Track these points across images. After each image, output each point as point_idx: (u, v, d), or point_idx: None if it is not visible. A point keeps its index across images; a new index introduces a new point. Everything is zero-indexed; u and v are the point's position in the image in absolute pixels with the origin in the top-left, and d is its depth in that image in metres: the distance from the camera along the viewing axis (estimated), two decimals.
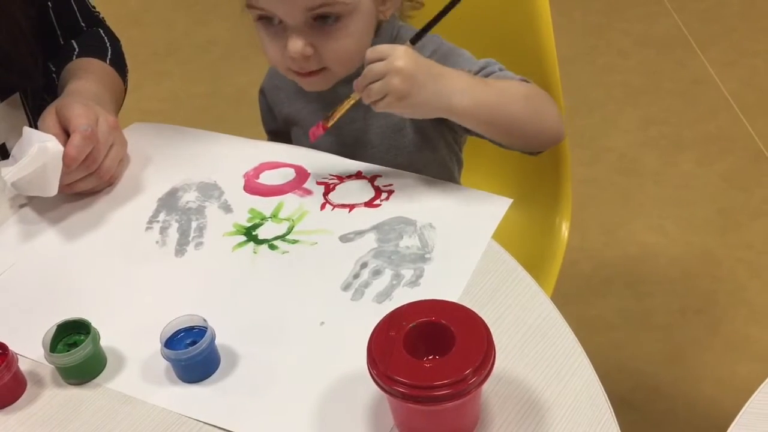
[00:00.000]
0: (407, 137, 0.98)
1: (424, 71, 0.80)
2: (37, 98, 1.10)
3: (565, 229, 1.14)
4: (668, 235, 1.77)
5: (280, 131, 1.10)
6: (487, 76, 0.91)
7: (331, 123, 0.87)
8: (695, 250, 1.73)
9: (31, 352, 0.72)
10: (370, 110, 0.87)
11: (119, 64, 1.12)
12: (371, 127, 0.99)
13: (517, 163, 1.16)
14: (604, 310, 1.62)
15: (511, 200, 0.83)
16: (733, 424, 0.60)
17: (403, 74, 0.79)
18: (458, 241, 0.79)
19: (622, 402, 1.41)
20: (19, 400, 0.68)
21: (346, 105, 0.86)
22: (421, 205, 0.84)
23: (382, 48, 0.81)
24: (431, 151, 1.00)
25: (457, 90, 0.82)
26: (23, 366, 0.70)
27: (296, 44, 0.86)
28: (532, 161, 1.15)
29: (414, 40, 0.85)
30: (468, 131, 0.93)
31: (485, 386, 0.59)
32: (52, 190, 0.87)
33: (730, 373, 1.47)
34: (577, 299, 1.62)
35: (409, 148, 0.98)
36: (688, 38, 2.37)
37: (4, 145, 1.07)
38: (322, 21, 0.86)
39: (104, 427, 0.66)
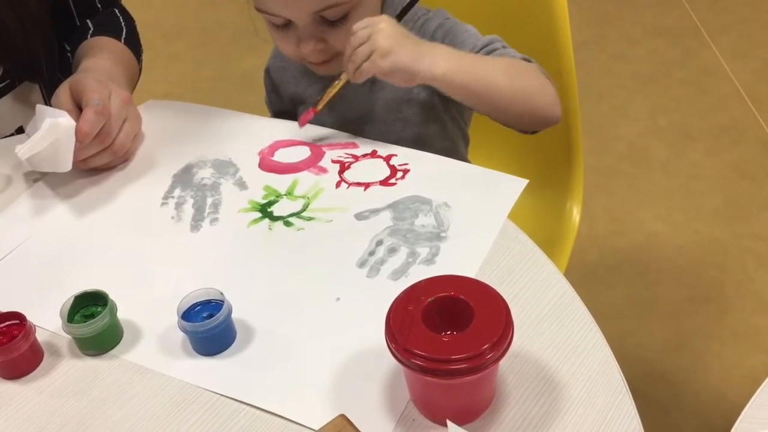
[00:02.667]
0: (412, 110, 0.99)
1: (404, 35, 0.86)
2: (53, 78, 1.10)
3: (576, 214, 1.14)
4: (676, 224, 1.77)
5: (285, 111, 1.10)
6: (490, 53, 0.93)
7: (320, 106, 0.91)
8: (703, 239, 1.73)
9: (48, 323, 0.72)
10: (376, 84, 0.88)
11: (133, 44, 1.12)
12: (377, 101, 1.00)
13: (530, 147, 1.16)
14: (611, 298, 1.62)
15: (526, 181, 0.83)
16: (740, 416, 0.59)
17: (386, 33, 0.84)
18: (474, 220, 0.79)
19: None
20: (36, 370, 0.69)
21: (336, 87, 0.90)
22: (436, 184, 0.84)
23: (366, 18, 0.86)
24: (437, 124, 1.01)
25: (436, 55, 0.86)
26: (40, 337, 0.71)
27: (308, 46, 0.91)
28: (544, 144, 1.15)
29: (399, 17, 0.91)
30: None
31: (502, 362, 0.60)
32: (66, 165, 0.87)
33: (736, 363, 1.47)
34: (584, 287, 1.60)
35: (414, 120, 0.99)
36: (699, 28, 2.36)
37: (21, 128, 1.07)
38: (329, 18, 0.89)
39: (121, 397, 0.66)
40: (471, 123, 1.09)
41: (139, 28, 1.17)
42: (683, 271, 1.67)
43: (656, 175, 1.90)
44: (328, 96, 0.91)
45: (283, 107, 1.11)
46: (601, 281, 1.66)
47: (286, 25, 0.91)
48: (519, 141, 1.18)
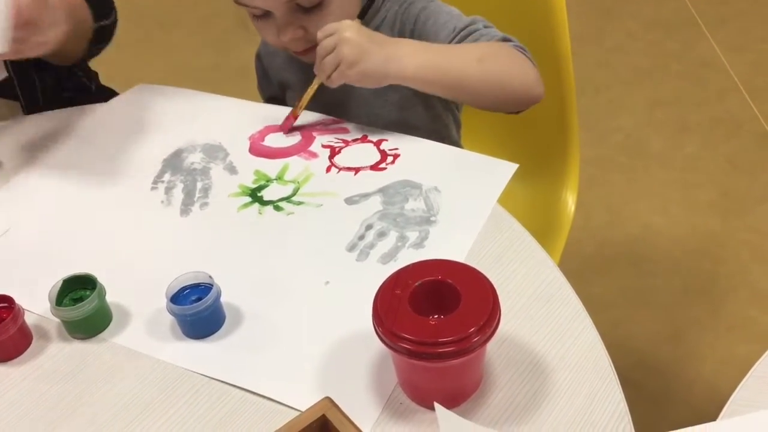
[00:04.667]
0: (399, 93, 0.99)
1: (370, 39, 0.85)
2: None
3: (571, 204, 1.14)
4: (672, 216, 1.77)
5: (276, 96, 1.11)
6: (471, 33, 0.93)
7: (300, 111, 0.93)
8: (699, 231, 1.73)
9: (37, 306, 0.72)
10: None
11: (96, 5, 1.07)
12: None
13: (525, 137, 1.16)
14: (605, 288, 1.62)
15: (516, 165, 0.83)
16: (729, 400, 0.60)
17: (352, 43, 0.84)
18: (463, 205, 0.79)
19: (620, 379, 1.41)
20: (25, 354, 0.69)
21: (311, 92, 0.91)
22: (426, 169, 0.84)
23: (331, 25, 0.86)
24: (424, 107, 1.01)
25: (404, 54, 0.86)
26: (30, 321, 0.71)
27: (287, 34, 0.91)
28: (539, 134, 1.15)
29: (361, 16, 0.91)
30: None
31: (489, 347, 0.60)
32: (2, 45, 0.83)
33: (729, 354, 1.48)
34: (579, 277, 1.61)
35: (401, 104, 1.00)
36: (697, 20, 2.35)
37: None
38: (305, 6, 0.90)
39: (110, 380, 0.66)
40: (464, 110, 1.09)
41: (137, 17, 1.16)
42: (678, 262, 1.67)
43: (652, 167, 1.90)
44: (305, 100, 0.92)
45: (274, 92, 1.11)
46: (597, 272, 1.66)
47: (266, 15, 0.92)
48: (514, 130, 1.18)
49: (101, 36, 1.10)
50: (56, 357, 0.69)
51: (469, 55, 0.89)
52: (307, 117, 0.95)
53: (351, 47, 0.83)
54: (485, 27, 0.93)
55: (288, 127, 0.93)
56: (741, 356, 1.47)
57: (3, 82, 1.07)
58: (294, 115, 0.93)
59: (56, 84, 1.11)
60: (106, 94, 1.21)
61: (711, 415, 0.59)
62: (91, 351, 0.69)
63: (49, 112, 1.03)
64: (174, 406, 0.63)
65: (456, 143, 1.07)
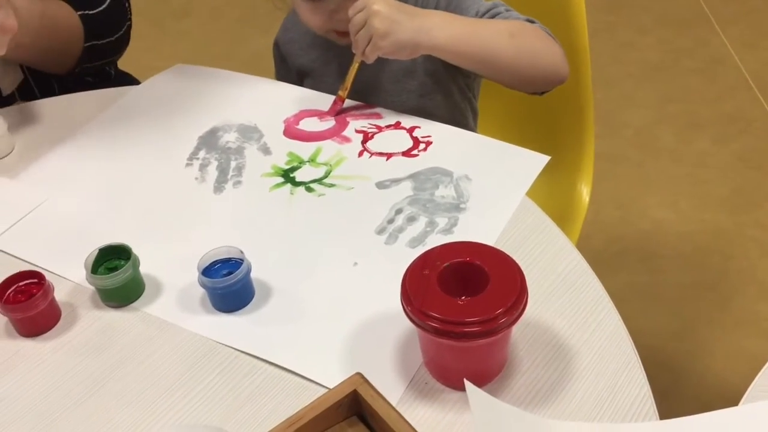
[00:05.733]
0: (418, 80, 1.00)
1: (399, 11, 0.86)
2: None
3: (585, 195, 1.14)
4: (682, 211, 1.77)
5: (293, 84, 1.11)
6: (493, 17, 0.93)
7: (346, 93, 0.93)
8: (708, 227, 1.73)
9: (73, 275, 0.74)
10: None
11: (89, 25, 1.05)
12: (383, 72, 1.01)
13: (541, 125, 1.17)
14: (615, 283, 1.61)
15: (548, 157, 0.84)
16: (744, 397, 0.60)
17: (381, 15, 0.85)
18: (493, 194, 0.79)
19: None
20: (54, 329, 0.70)
21: (353, 72, 0.92)
22: (458, 157, 0.85)
23: (360, 1, 0.87)
24: (443, 95, 1.02)
25: (434, 25, 0.87)
26: (65, 290, 0.72)
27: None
28: (555, 122, 1.15)
29: None
30: (475, 74, 0.95)
31: (514, 330, 0.61)
32: None
33: (738, 349, 1.48)
34: None
35: (419, 91, 1.00)
36: (708, 16, 2.35)
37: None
38: None
39: (139, 356, 0.67)
40: (480, 99, 1.09)
41: (149, 5, 1.16)
42: (687, 258, 1.67)
43: (663, 162, 1.90)
44: (349, 81, 0.93)
45: (291, 80, 1.11)
46: (606, 266, 1.66)
47: None
48: (530, 120, 1.19)
49: (95, 54, 1.09)
50: (85, 332, 0.69)
51: (500, 30, 0.90)
52: (347, 106, 0.96)
53: (381, 19, 0.85)
54: (507, 11, 0.94)
55: (336, 111, 0.94)
56: (749, 351, 1.47)
57: (21, 86, 1.08)
58: (341, 98, 0.94)
59: (76, 78, 1.11)
60: (126, 80, 1.22)
61: (719, 409, 0.59)
62: (122, 323, 0.70)
63: (89, 92, 1.05)
64: (202, 383, 0.64)
65: (472, 132, 1.07)
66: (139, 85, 1.04)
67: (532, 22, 0.93)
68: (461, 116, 1.05)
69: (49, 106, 1.02)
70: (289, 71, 1.11)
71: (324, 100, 0.96)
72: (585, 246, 1.78)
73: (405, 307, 0.59)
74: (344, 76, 0.93)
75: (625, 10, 2.43)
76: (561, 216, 1.14)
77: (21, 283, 0.70)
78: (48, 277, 0.70)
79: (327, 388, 0.61)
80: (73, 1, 1.05)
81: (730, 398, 0.61)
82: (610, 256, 1.69)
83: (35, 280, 0.70)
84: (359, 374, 0.56)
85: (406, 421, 0.53)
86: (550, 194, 1.16)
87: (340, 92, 0.94)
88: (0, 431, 0.62)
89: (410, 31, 0.86)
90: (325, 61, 1.04)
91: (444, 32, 0.87)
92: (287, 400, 0.62)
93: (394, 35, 0.85)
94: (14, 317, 0.69)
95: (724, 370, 1.45)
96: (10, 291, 0.69)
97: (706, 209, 1.77)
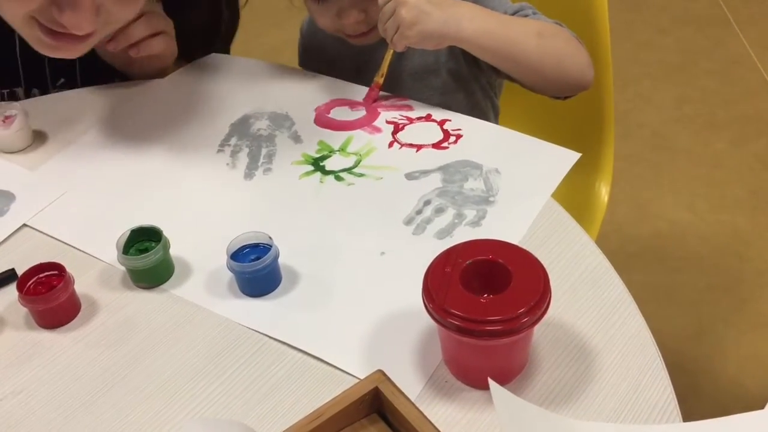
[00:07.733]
0: (440, 79, 1.00)
1: (428, 1, 0.86)
2: None
3: (605, 194, 1.14)
4: (698, 213, 1.76)
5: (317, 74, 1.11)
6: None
7: (382, 80, 0.93)
8: (725, 229, 1.72)
9: (105, 255, 0.75)
10: (403, 53, 0.91)
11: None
12: (405, 69, 1.01)
13: (562, 124, 1.16)
14: (630, 284, 1.59)
15: (579, 154, 0.83)
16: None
17: (409, 5, 0.85)
18: (523, 188, 0.79)
19: None
20: (75, 320, 0.70)
21: (388, 57, 0.92)
22: (488, 150, 0.85)
23: None
24: (465, 93, 1.02)
25: (462, 17, 0.87)
26: (95, 272, 0.74)
27: (350, 17, 0.93)
28: (575, 121, 1.15)
29: None
30: (497, 72, 0.95)
31: (536, 329, 0.60)
32: None
33: (754, 352, 1.47)
34: None
35: (441, 89, 1.00)
36: (728, 17, 2.33)
37: None
38: None
39: (165, 343, 0.67)
40: (501, 97, 1.09)
41: None
42: (704, 259, 1.66)
43: (680, 163, 1.89)
44: (385, 66, 0.93)
45: (315, 69, 1.11)
46: (622, 267, 1.63)
47: None
48: (551, 118, 1.18)
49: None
50: (106, 323, 0.69)
51: (528, 29, 0.89)
52: (379, 97, 0.96)
53: (408, 9, 0.85)
54: (534, 13, 0.94)
55: (374, 98, 0.94)
56: (766, 354, 1.46)
57: (61, 86, 1.08)
58: (377, 85, 0.94)
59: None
60: None
61: (736, 411, 0.58)
62: (143, 314, 0.70)
63: (121, 84, 1.06)
64: (227, 371, 0.64)
65: None
66: (171, 74, 1.05)
67: (559, 25, 0.93)
68: (482, 115, 1.05)
69: (79, 97, 1.02)
70: (312, 61, 1.12)
71: (354, 90, 0.96)
72: (601, 246, 1.77)
73: (426, 304, 0.58)
74: (362, 71, 0.93)
75: (644, 10, 2.42)
76: (579, 215, 1.13)
77: (41, 275, 0.70)
78: (69, 268, 0.70)
79: (350, 374, 0.61)
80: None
81: (748, 401, 0.60)
82: (626, 257, 1.68)
83: (55, 272, 0.70)
84: (380, 371, 0.55)
85: (428, 420, 0.53)
86: (569, 193, 1.15)
87: (377, 78, 0.94)
88: (19, 424, 0.62)
89: (438, 21, 0.86)
90: (350, 53, 1.04)
91: (472, 25, 0.87)
92: (314, 390, 0.62)
93: (422, 25, 0.85)
94: (34, 309, 0.69)
95: (740, 372, 1.44)
96: (30, 282, 0.69)
97: (724, 211, 1.75)
